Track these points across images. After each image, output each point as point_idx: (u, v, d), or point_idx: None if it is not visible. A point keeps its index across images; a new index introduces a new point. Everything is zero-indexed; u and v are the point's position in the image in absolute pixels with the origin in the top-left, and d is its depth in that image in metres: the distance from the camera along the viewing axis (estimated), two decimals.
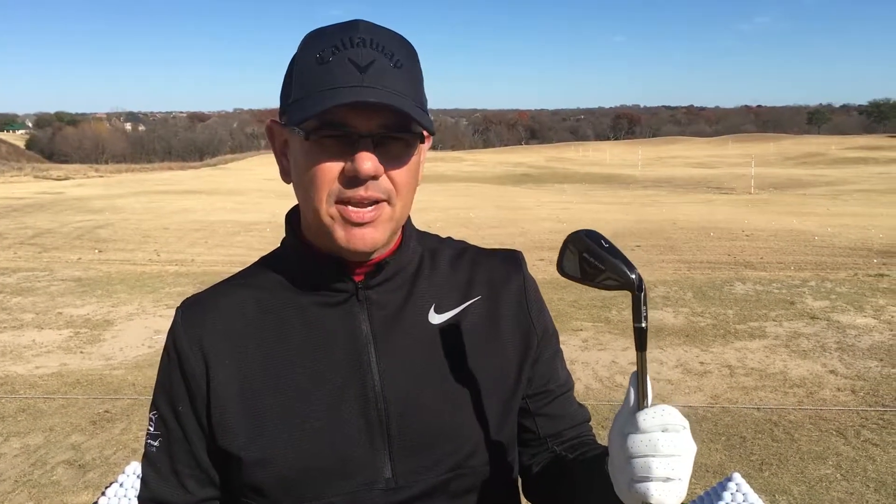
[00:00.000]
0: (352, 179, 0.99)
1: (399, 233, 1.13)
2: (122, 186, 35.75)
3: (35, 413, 6.16)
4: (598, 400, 6.27)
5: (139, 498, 1.15)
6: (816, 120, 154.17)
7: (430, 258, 1.19)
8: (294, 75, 1.03)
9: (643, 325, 0.94)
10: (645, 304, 0.94)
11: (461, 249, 1.24)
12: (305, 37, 1.05)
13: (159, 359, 1.17)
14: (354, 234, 1.02)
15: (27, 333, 8.74)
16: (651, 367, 7.07)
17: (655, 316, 9.05)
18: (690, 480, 3.98)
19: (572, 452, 1.21)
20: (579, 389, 6.54)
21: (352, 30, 1.01)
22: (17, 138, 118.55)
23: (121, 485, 4.50)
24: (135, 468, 4.55)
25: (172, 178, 42.04)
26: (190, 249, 15.08)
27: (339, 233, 1.02)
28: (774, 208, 21.83)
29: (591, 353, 7.59)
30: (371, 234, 1.03)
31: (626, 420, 0.93)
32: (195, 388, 1.09)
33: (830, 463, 5.03)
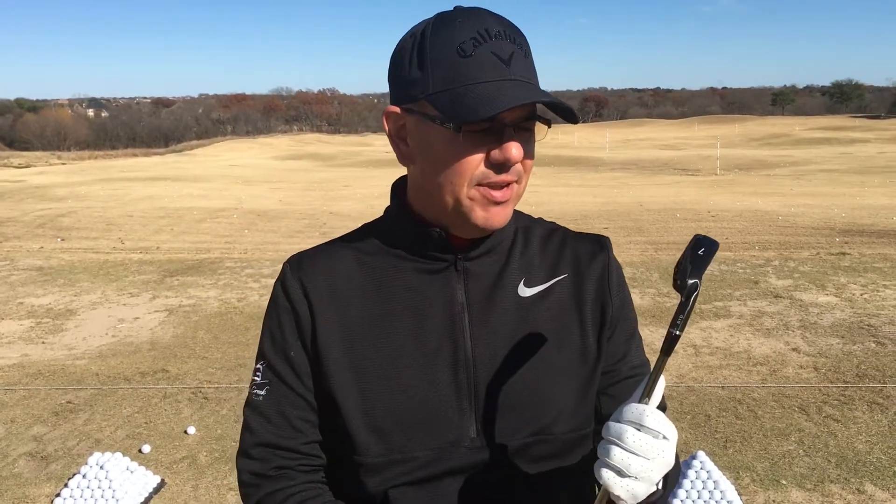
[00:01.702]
0: (499, 165, 1.06)
1: None
2: (86, 174, 35.17)
3: None
4: None
5: (242, 447, 1.20)
6: (780, 101, 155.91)
7: (523, 235, 1.26)
8: (426, 64, 1.05)
9: (676, 332, 0.97)
10: (685, 313, 0.97)
11: (552, 229, 1.31)
12: (428, 25, 1.07)
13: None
14: (493, 212, 1.09)
15: None
16: None
17: None
18: None
19: None
20: None
21: (483, 20, 1.05)
22: None
23: (84, 476, 4.45)
24: (98, 459, 4.50)
25: (137, 165, 41.43)
26: (155, 237, 14.87)
27: (479, 213, 1.09)
28: (739, 189, 22.09)
29: None
30: (505, 213, 1.11)
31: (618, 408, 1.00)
32: (305, 333, 1.16)
33: (793, 439, 5.11)
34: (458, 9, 1.09)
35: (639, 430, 0.94)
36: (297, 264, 1.21)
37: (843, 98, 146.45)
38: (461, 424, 1.13)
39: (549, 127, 1.12)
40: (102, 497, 4.31)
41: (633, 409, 0.95)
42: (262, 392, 1.19)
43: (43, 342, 7.93)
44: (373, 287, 1.18)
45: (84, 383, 6.49)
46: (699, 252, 0.98)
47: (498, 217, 1.10)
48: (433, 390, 1.13)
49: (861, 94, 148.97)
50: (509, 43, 1.05)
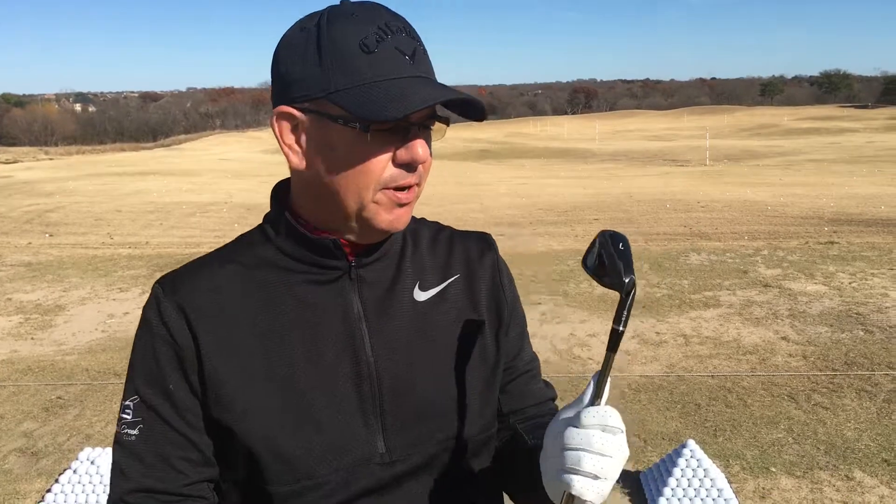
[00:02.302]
0: (407, 165, 1.02)
1: None
2: (73, 169, 34.95)
3: None
4: (557, 372, 6.32)
5: (114, 495, 1.07)
6: (769, 91, 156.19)
7: (411, 238, 1.22)
8: (325, 61, 0.99)
9: (621, 328, 0.97)
10: (628, 309, 0.97)
11: (438, 229, 1.28)
12: (322, 18, 1.01)
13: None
14: (397, 214, 1.06)
15: None
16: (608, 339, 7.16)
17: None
18: (647, 448, 4.04)
19: (530, 433, 1.22)
20: None
21: (381, 14, 1.02)
22: None
23: (74, 471, 4.44)
24: (88, 454, 4.50)
25: (125, 160, 41.19)
26: (144, 232, 14.80)
27: (384, 216, 1.05)
28: (729, 179, 22.16)
29: (550, 327, 7.65)
30: (408, 214, 1.08)
31: (572, 415, 0.97)
32: (187, 363, 1.06)
33: (782, 427, 5.14)
34: (348, 2, 1.04)
35: (603, 431, 0.93)
36: (171, 286, 1.10)
37: (832, 88, 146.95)
38: (369, 441, 1.08)
39: (448, 126, 1.09)
40: (94, 492, 4.30)
41: (592, 412, 0.93)
42: (135, 431, 1.07)
43: (32, 338, 7.89)
44: (261, 304, 1.09)
45: (74, 379, 6.46)
46: (621, 248, 0.98)
47: (402, 219, 1.07)
48: (337, 408, 1.07)
49: (849, 83, 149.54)
50: (410, 38, 1.02)
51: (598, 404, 0.95)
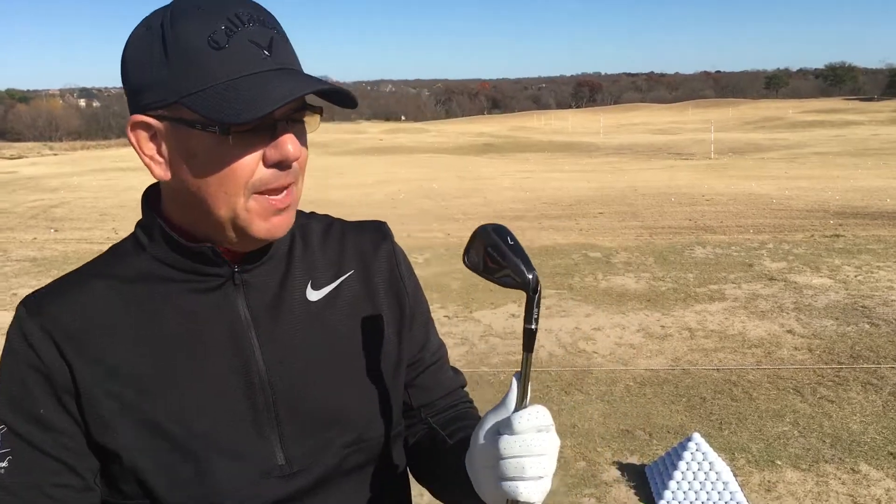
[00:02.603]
0: (278, 165, 0.95)
1: None
2: (78, 164, 35.01)
3: None
4: (562, 366, 6.32)
5: None
6: (774, 84, 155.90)
7: (300, 235, 1.15)
8: (177, 62, 0.91)
9: (533, 326, 0.94)
10: (538, 306, 0.94)
11: (328, 224, 1.21)
12: (166, 15, 0.93)
13: None
14: (275, 222, 0.98)
15: None
16: (614, 332, 7.16)
17: (618, 281, 9.14)
18: (652, 441, 4.04)
19: (445, 428, 1.20)
20: (542, 356, 6.59)
21: (228, 4, 0.92)
22: None
23: None
24: None
25: (130, 155, 41.12)
26: None
27: (259, 225, 0.97)
28: (733, 173, 22.10)
29: (555, 320, 7.64)
30: (287, 220, 1.01)
31: (501, 421, 0.93)
32: (59, 385, 0.97)
33: (788, 420, 5.14)
34: None
35: (538, 432, 0.91)
36: (37, 306, 1.01)
37: (837, 80, 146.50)
38: (265, 452, 1.02)
39: (322, 116, 1.01)
40: None
41: (525, 416, 0.91)
42: (3, 464, 0.97)
43: None
44: (138, 319, 1.01)
45: None
46: (510, 242, 0.95)
47: (281, 226, 1.00)
48: (230, 422, 1.00)
49: (855, 76, 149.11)
50: (264, 28, 0.93)
51: (526, 406, 0.93)
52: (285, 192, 0.98)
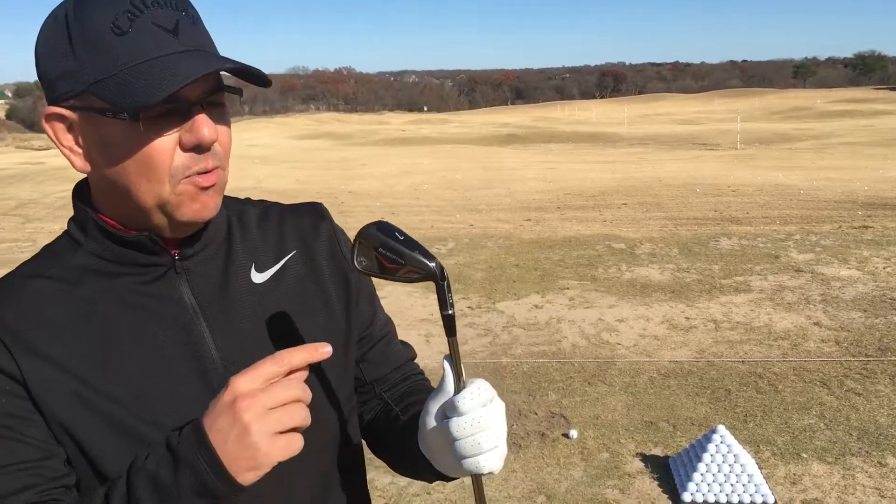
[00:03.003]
0: (196, 148, 0.94)
1: None
2: None
3: None
4: (585, 357, 6.31)
5: None
6: (802, 74, 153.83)
7: (237, 220, 1.15)
8: (77, 50, 0.91)
9: (450, 311, 0.95)
10: (449, 291, 0.94)
11: (265, 208, 1.21)
12: (71, 4, 0.92)
13: None
14: (203, 201, 0.98)
15: None
16: (638, 323, 7.13)
17: (642, 272, 9.09)
18: (676, 433, 4.02)
19: (399, 403, 1.22)
20: (565, 347, 6.58)
21: None
22: None
23: None
24: None
25: None
26: None
27: (189, 207, 0.97)
28: (760, 163, 21.86)
29: (578, 311, 7.62)
30: (215, 200, 1.00)
31: (445, 405, 0.96)
32: (12, 379, 0.95)
33: (814, 413, 5.09)
34: None
35: (484, 407, 0.94)
36: None
37: (866, 70, 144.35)
38: None
39: (241, 96, 1.02)
40: None
41: (467, 395, 0.94)
42: None
43: None
44: (84, 318, 0.98)
45: None
46: (401, 238, 0.94)
47: (208, 206, 0.99)
48: (187, 415, 0.94)
49: (884, 65, 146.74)
50: (171, 10, 0.92)
51: (465, 385, 0.95)
52: (211, 172, 0.97)
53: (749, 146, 29.16)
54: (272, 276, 1.12)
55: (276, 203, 1.24)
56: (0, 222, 15.00)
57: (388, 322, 1.30)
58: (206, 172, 0.96)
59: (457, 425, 0.93)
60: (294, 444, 0.87)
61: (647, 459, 4.56)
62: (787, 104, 71.08)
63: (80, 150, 0.98)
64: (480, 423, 0.93)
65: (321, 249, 1.19)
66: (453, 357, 0.96)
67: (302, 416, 0.88)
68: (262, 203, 1.23)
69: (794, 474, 4.33)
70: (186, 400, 0.99)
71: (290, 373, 0.90)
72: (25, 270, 1.03)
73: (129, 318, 1.00)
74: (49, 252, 1.06)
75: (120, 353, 0.98)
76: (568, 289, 8.50)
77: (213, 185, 0.98)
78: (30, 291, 0.99)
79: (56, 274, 1.01)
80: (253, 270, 1.11)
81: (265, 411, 0.85)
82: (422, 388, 1.27)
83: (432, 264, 0.93)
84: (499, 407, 0.96)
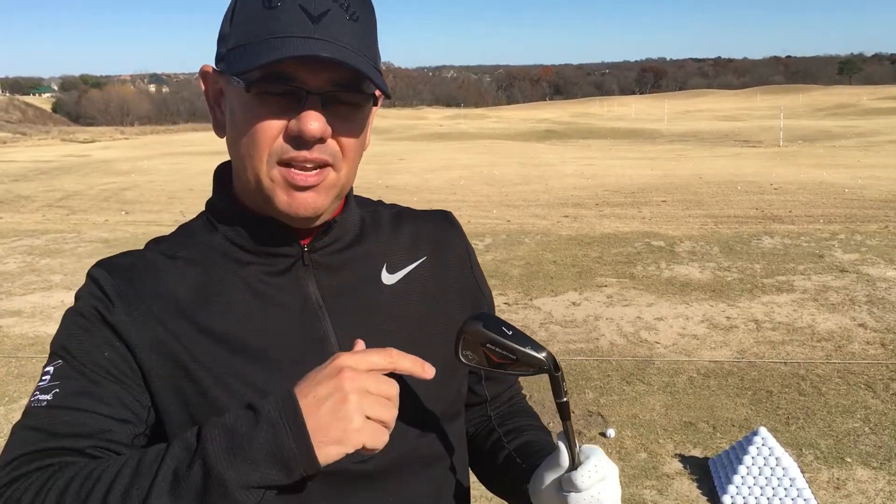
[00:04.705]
0: (296, 139, 0.92)
1: (342, 197, 1.07)
2: (148, 148, 35.94)
3: None
4: (623, 356, 6.25)
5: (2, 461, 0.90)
6: (847, 70, 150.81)
7: (371, 219, 1.15)
8: (235, 17, 0.95)
9: (565, 399, 0.95)
10: (563, 380, 0.94)
11: (398, 211, 1.21)
12: None
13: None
14: (297, 198, 0.96)
15: (56, 294, 8.86)
16: (677, 322, 7.04)
17: (681, 271, 8.98)
18: (716, 434, 3.96)
19: (502, 424, 1.25)
20: (603, 345, 6.53)
21: None
22: (44, 101, 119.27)
23: None
24: None
25: (197, 140, 42.13)
26: None
27: (281, 197, 0.96)
28: (803, 161, 21.45)
29: (616, 309, 7.55)
30: (314, 199, 0.97)
31: (563, 479, 0.97)
32: (123, 339, 0.96)
33: (858, 416, 4.98)
34: None
35: (602, 481, 0.95)
36: (108, 269, 1.00)
37: None
38: None
39: (376, 104, 0.99)
40: None
41: (586, 473, 0.95)
42: (48, 396, 0.92)
43: None
44: (209, 300, 0.99)
45: None
46: (509, 332, 0.91)
47: (304, 205, 0.96)
48: None
49: None
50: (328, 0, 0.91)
51: (580, 457, 0.96)
52: (315, 171, 0.95)
53: (792, 143, 28.65)
54: (401, 279, 1.12)
55: (408, 207, 1.24)
56: (46, 213, 15.30)
57: None
58: (304, 169, 0.95)
59: (574, 501, 0.95)
60: (381, 435, 0.84)
61: (686, 460, 4.50)
62: (832, 101, 69.69)
63: (219, 114, 1.02)
64: (599, 499, 0.95)
65: (452, 262, 1.18)
66: (570, 439, 0.97)
67: (392, 415, 0.84)
68: (395, 206, 1.23)
69: (838, 479, 4.24)
70: None
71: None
72: (160, 248, 1.05)
73: (254, 305, 1.01)
74: (185, 231, 1.08)
75: (245, 339, 0.99)
76: (606, 286, 8.43)
77: (311, 186, 0.96)
78: (162, 269, 1.01)
79: (188, 255, 1.03)
80: (384, 271, 1.11)
81: (366, 391, 0.82)
82: (524, 411, 1.30)
83: (543, 355, 0.91)
84: (614, 478, 0.97)
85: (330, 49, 0.89)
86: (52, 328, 7.59)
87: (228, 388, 0.96)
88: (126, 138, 50.71)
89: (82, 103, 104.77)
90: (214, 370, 0.96)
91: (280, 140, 0.93)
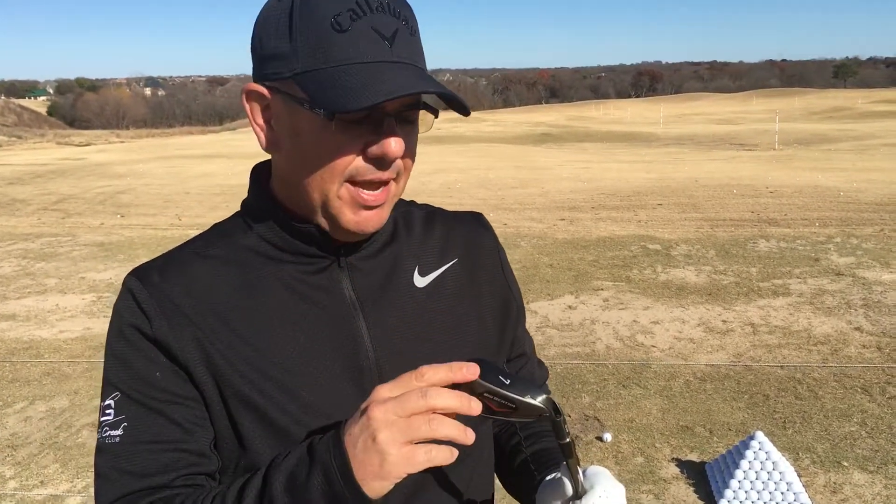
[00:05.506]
0: (377, 160, 0.94)
1: None
2: (143, 151, 35.88)
3: (60, 377, 6.25)
4: (619, 359, 6.24)
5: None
6: (842, 74, 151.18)
7: (403, 221, 1.16)
8: (297, 36, 0.91)
9: (568, 440, 0.95)
10: (565, 422, 0.93)
11: (430, 212, 1.22)
12: None
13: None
14: (364, 216, 0.98)
15: (51, 298, 8.84)
16: (673, 326, 7.04)
17: (678, 274, 8.98)
18: (713, 438, 3.95)
19: (524, 427, 1.26)
20: (599, 349, 6.52)
21: None
22: (39, 105, 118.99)
23: None
24: None
25: (193, 143, 42.10)
26: (211, 213, 15.10)
27: (349, 215, 0.97)
28: (799, 164, 21.48)
29: (612, 313, 7.55)
30: (379, 216, 1.00)
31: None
32: (171, 355, 0.98)
33: (855, 420, 4.98)
34: None
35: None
36: (147, 279, 1.00)
37: None
38: None
39: (437, 117, 1.00)
40: None
41: (593, 500, 0.96)
42: (118, 432, 0.96)
43: (104, 316, 8.13)
44: (248, 300, 1.01)
45: None
46: (507, 381, 0.88)
47: (371, 222, 0.98)
48: (340, 408, 0.97)
49: None
50: (392, 17, 0.92)
51: (585, 491, 0.97)
52: (381, 189, 0.97)
53: (787, 147, 28.70)
54: (433, 281, 1.12)
55: (440, 208, 1.24)
56: (41, 217, 15.27)
57: (530, 340, 1.32)
58: (375, 187, 0.96)
59: None
60: (419, 457, 0.81)
61: (683, 465, 4.49)
62: (827, 104, 69.83)
63: (270, 132, 1.00)
64: None
65: (484, 265, 1.19)
66: (573, 475, 0.98)
67: (433, 427, 0.81)
68: (427, 206, 1.23)
69: (835, 483, 4.23)
70: (340, 394, 1.01)
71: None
72: (194, 247, 1.06)
73: (291, 304, 1.02)
74: (218, 231, 1.09)
75: (280, 338, 1.00)
76: (602, 290, 8.43)
77: (380, 205, 0.98)
78: (197, 268, 1.02)
79: (224, 254, 1.04)
80: (416, 274, 1.11)
81: (394, 419, 0.81)
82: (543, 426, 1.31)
83: (542, 402, 0.89)
84: (621, 501, 0.98)
85: (409, 74, 0.91)
86: (47, 332, 7.57)
87: (263, 391, 0.98)
88: (122, 141, 50.60)
89: (78, 106, 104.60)
90: (248, 372, 0.98)
91: (357, 161, 0.94)
